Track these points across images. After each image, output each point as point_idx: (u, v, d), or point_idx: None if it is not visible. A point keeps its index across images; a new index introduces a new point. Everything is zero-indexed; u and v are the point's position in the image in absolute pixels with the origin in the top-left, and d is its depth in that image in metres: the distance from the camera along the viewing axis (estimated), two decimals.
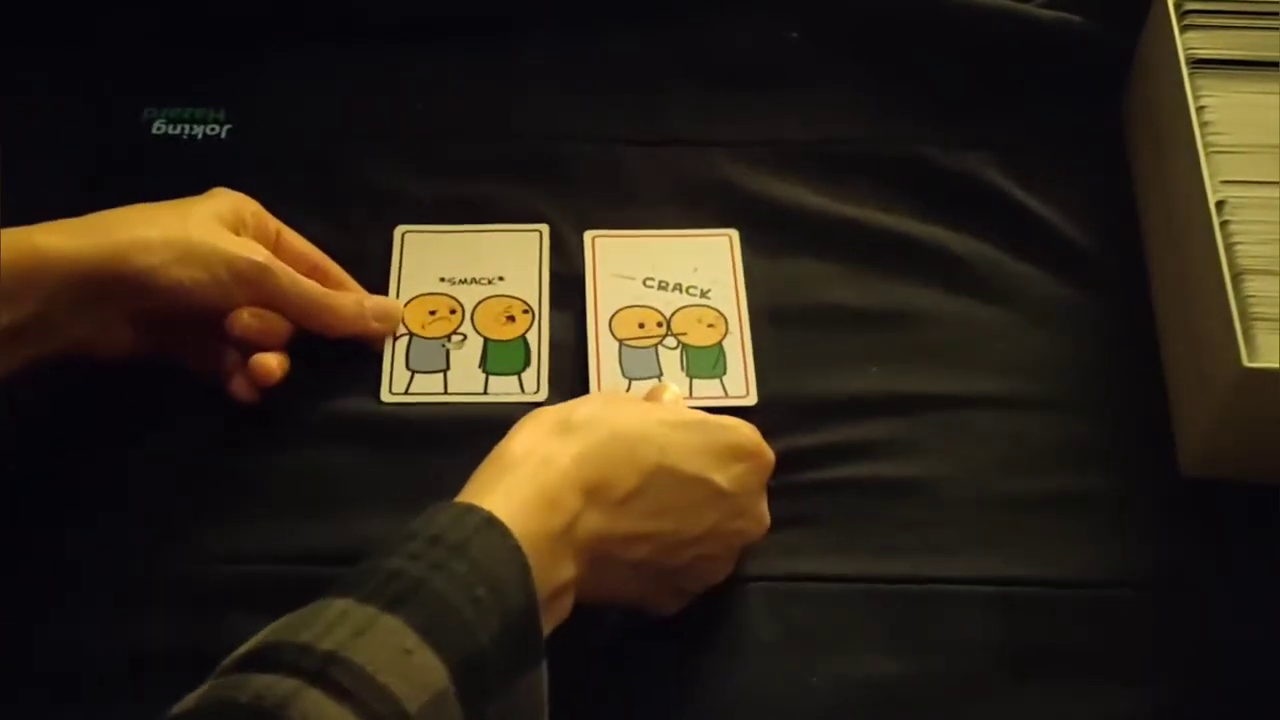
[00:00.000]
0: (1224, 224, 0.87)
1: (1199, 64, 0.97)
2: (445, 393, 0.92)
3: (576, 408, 0.78)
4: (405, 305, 0.96)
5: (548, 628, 0.71)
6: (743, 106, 1.09)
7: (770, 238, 1.01)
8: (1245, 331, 0.82)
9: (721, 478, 0.79)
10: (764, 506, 0.83)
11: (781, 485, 0.87)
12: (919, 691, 0.81)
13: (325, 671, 0.62)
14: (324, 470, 0.90)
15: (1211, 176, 0.89)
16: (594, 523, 0.75)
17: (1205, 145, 0.91)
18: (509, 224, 1.01)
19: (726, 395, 0.92)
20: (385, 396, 0.92)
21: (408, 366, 0.93)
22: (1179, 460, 0.90)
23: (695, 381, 0.92)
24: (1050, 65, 1.09)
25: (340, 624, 0.64)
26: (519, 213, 1.02)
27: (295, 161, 1.05)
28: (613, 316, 0.95)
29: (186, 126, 1.08)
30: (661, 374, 0.92)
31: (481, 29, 1.12)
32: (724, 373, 0.93)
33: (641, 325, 0.95)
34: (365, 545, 0.72)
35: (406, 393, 0.92)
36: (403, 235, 1.00)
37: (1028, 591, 0.84)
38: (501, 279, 0.97)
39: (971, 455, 0.90)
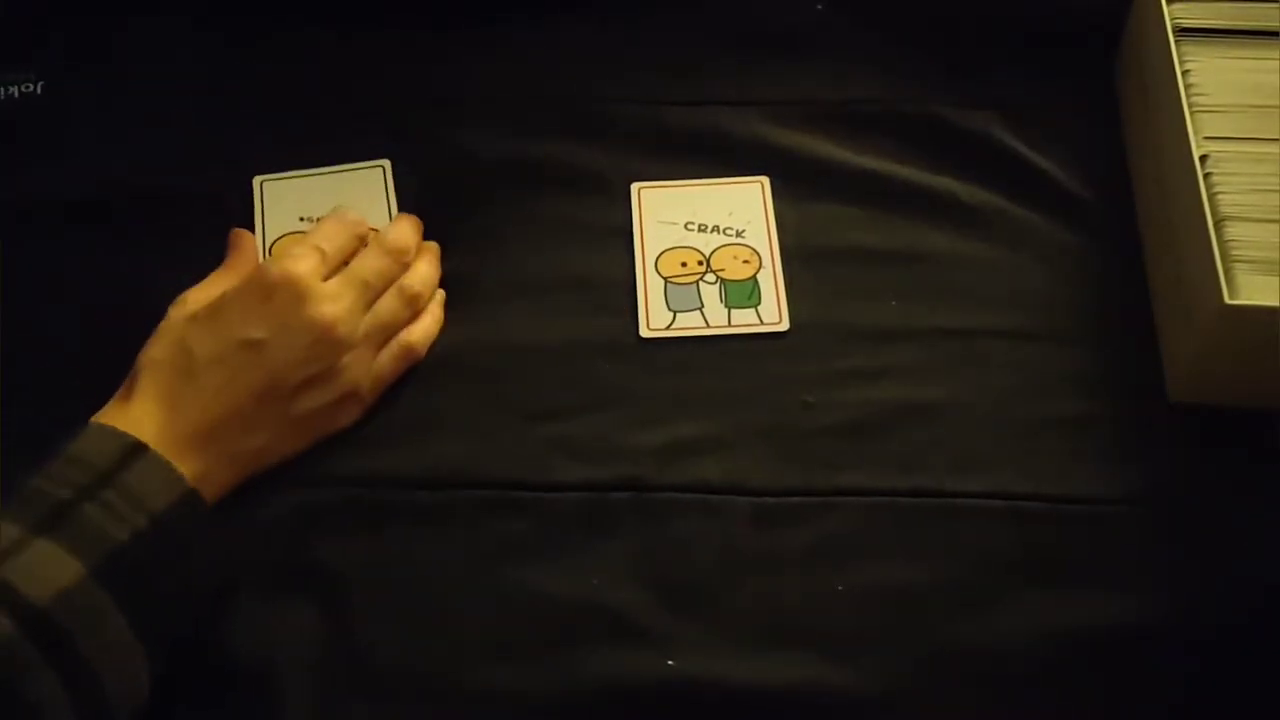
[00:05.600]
0: (1207, 175, 0.90)
1: (1184, 32, 1.00)
2: None
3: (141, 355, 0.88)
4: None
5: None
6: (773, 71, 1.11)
7: (799, 186, 1.03)
8: (1226, 272, 0.85)
9: (252, 331, 0.87)
10: (332, 312, 0.88)
11: (815, 403, 0.92)
12: (935, 596, 0.84)
13: None
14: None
15: (1196, 133, 0.92)
16: (170, 429, 0.84)
17: (1190, 105, 0.94)
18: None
19: (762, 322, 0.96)
20: None
21: None
22: (1167, 388, 0.93)
23: (733, 311, 0.96)
24: (1051, 32, 1.12)
25: None
26: (573, 168, 1.05)
27: (374, 125, 1.08)
28: (658, 257, 1.00)
29: None
30: (703, 306, 0.97)
31: (541, 8, 1.15)
32: (759, 303, 0.97)
33: (684, 264, 0.99)
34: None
35: None
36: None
37: (1034, 506, 0.88)
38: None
39: (982, 381, 0.94)
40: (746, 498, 0.89)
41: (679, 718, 0.82)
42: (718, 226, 1.02)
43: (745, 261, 1.00)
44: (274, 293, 0.88)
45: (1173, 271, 0.94)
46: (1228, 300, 0.85)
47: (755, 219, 1.02)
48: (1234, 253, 0.88)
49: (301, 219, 1.02)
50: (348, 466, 0.91)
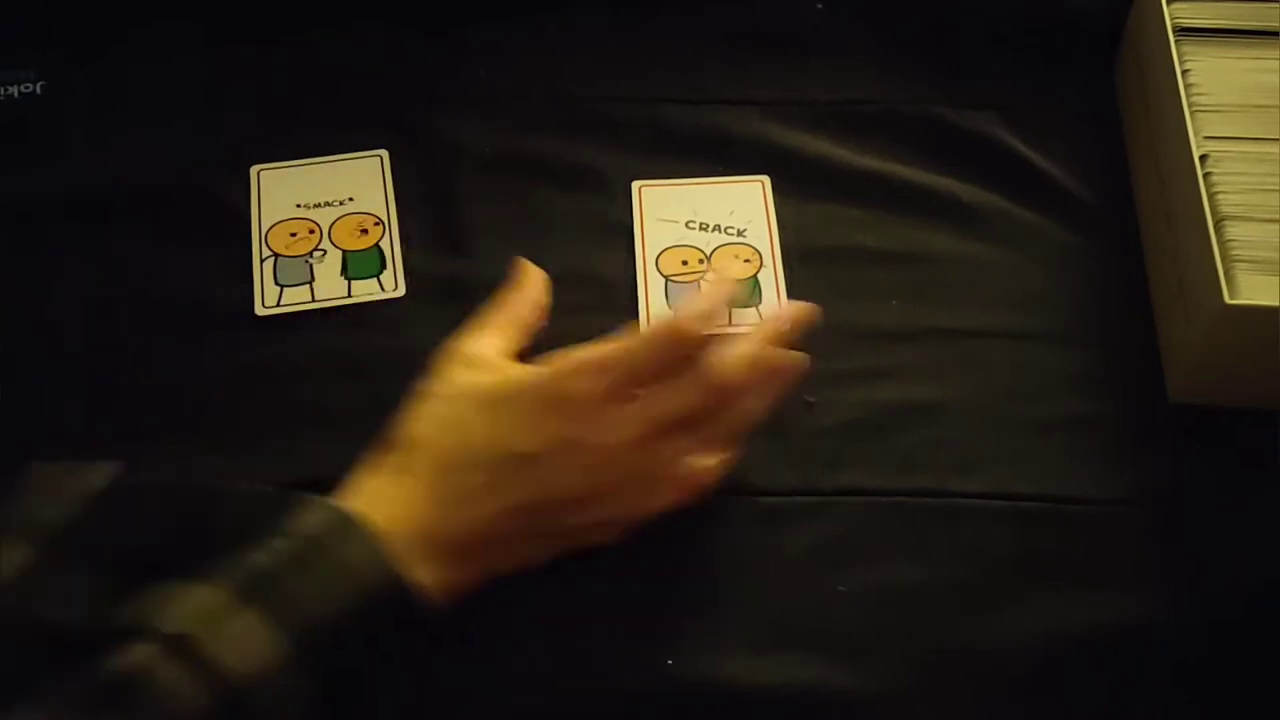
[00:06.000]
0: (1207, 175, 0.90)
1: (1184, 32, 1.00)
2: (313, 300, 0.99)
3: (407, 423, 0.84)
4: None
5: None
6: (773, 70, 1.11)
7: (799, 186, 1.03)
8: (1226, 272, 0.85)
9: (528, 444, 0.81)
10: (614, 439, 0.81)
11: (816, 403, 0.92)
12: (935, 596, 0.84)
13: (175, 647, 0.69)
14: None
15: (1196, 133, 0.92)
16: (433, 527, 0.79)
17: (1190, 105, 0.94)
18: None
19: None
20: (259, 310, 0.97)
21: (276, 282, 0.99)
22: (1168, 388, 0.93)
23: (734, 311, 0.96)
24: (1051, 32, 1.12)
25: (193, 605, 0.71)
26: (573, 165, 1.05)
27: (374, 123, 1.08)
28: (659, 256, 1.00)
29: None
30: None
31: (543, 5, 1.15)
32: (759, 302, 0.97)
33: (684, 263, 0.99)
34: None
35: (279, 304, 0.98)
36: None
37: (1035, 506, 0.88)
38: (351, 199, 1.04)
39: (983, 382, 0.93)
40: (747, 497, 0.89)
41: (679, 718, 0.82)
42: (719, 225, 1.02)
43: (746, 261, 1.00)
44: (558, 408, 0.81)
45: (1173, 271, 0.94)
46: (1228, 300, 0.85)
47: (756, 218, 1.02)
48: (1234, 253, 0.87)
49: (298, 206, 1.03)
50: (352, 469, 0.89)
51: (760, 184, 1.04)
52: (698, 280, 0.99)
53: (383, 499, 0.80)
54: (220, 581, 0.72)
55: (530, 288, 0.94)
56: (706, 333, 0.84)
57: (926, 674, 0.82)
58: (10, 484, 0.80)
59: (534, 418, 0.81)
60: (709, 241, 1.01)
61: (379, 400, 0.91)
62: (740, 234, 1.01)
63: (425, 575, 0.77)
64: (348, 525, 0.76)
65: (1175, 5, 1.02)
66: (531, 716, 0.82)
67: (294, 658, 0.71)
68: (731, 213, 1.02)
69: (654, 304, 0.98)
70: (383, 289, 1.00)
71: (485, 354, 0.88)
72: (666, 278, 0.99)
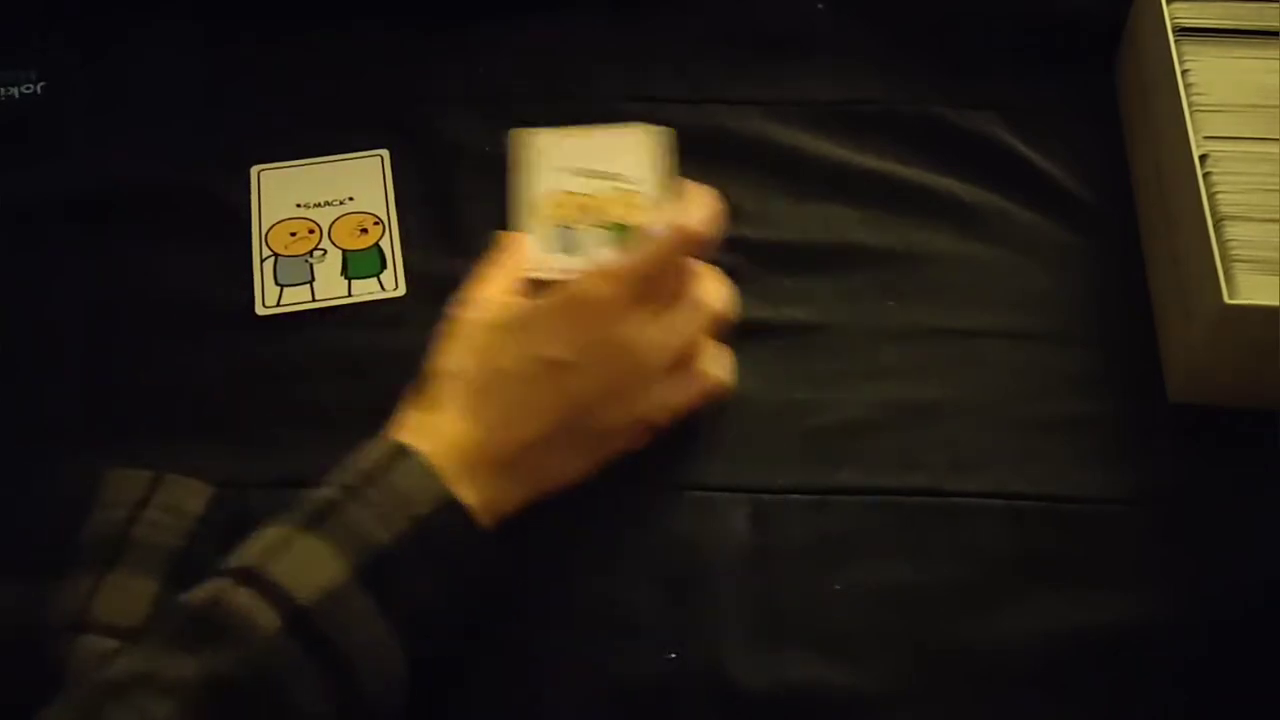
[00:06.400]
0: (1207, 175, 0.90)
1: (1184, 32, 1.00)
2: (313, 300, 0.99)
3: (436, 359, 0.86)
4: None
5: None
6: (773, 70, 1.11)
7: (799, 186, 1.03)
8: (1226, 272, 0.85)
9: (558, 350, 0.84)
10: (638, 334, 0.84)
11: (815, 402, 0.92)
12: (934, 596, 0.84)
13: (243, 577, 0.73)
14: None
15: (1195, 132, 0.92)
16: (473, 448, 0.82)
17: (1190, 105, 0.94)
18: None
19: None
20: (260, 310, 0.98)
21: (276, 282, 1.00)
22: (1167, 387, 0.93)
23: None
24: (1051, 32, 1.11)
25: (259, 542, 0.76)
26: None
27: (373, 122, 1.09)
28: (541, 199, 0.98)
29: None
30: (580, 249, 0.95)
31: (542, 5, 1.15)
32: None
33: (567, 207, 0.98)
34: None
35: (279, 304, 0.99)
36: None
37: (1034, 506, 0.88)
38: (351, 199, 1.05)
39: (983, 382, 0.93)
40: (746, 495, 0.89)
41: (677, 715, 0.82)
42: (607, 173, 1.00)
43: (634, 206, 0.98)
44: (582, 313, 0.85)
45: (1173, 271, 0.94)
46: (1228, 300, 0.85)
47: (648, 168, 1.00)
48: (1234, 253, 0.88)
49: (298, 205, 1.03)
50: None
51: (654, 134, 1.02)
52: (578, 224, 0.98)
53: (424, 428, 0.82)
54: (285, 519, 0.77)
55: (517, 249, 0.95)
56: (709, 232, 0.88)
57: (926, 674, 0.82)
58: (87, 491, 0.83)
59: (562, 326, 0.84)
60: (596, 188, 0.99)
61: (379, 400, 0.92)
62: (630, 182, 0.99)
63: (471, 496, 0.80)
64: (399, 454, 0.80)
65: (1175, 5, 1.02)
66: (532, 708, 0.82)
67: (355, 579, 0.74)
68: (623, 161, 1.01)
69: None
70: (383, 288, 1.00)
71: (493, 295, 0.91)
72: (550, 223, 0.98)
